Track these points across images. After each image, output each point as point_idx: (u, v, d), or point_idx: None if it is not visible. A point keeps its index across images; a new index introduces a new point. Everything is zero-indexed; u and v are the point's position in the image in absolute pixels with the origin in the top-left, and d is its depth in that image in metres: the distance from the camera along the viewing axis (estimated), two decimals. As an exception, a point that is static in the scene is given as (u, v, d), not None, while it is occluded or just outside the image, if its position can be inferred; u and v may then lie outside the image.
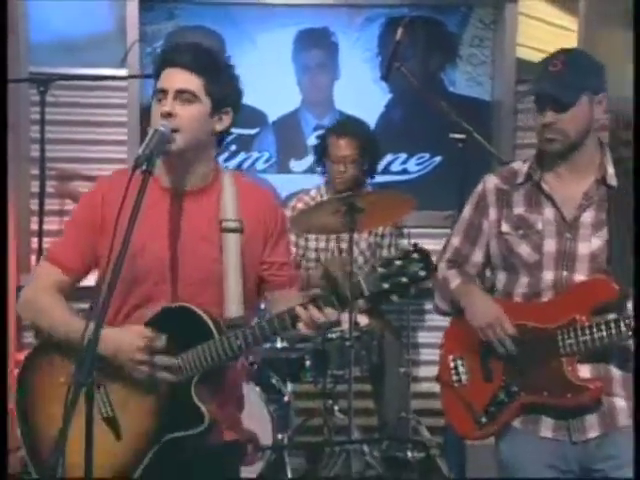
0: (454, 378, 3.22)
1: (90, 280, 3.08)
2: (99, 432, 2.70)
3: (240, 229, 2.96)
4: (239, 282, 2.94)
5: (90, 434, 2.55)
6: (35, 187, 5.54)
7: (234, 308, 2.92)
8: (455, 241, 3.28)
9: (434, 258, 3.30)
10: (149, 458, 2.86)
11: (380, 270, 2.65)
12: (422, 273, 2.64)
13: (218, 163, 3.10)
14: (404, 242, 5.72)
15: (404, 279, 2.63)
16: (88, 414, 2.54)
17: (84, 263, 3.02)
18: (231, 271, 2.94)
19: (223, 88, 2.98)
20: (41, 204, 5.39)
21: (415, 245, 2.68)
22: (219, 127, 2.99)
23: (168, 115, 2.86)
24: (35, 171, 5.59)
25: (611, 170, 3.08)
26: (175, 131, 2.86)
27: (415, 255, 2.65)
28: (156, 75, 2.97)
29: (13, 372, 5.71)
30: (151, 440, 2.87)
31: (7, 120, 4.75)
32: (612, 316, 2.98)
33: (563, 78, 3.00)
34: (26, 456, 3.00)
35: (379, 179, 5.82)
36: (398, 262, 2.65)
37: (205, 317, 2.85)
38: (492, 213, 3.19)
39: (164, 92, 2.90)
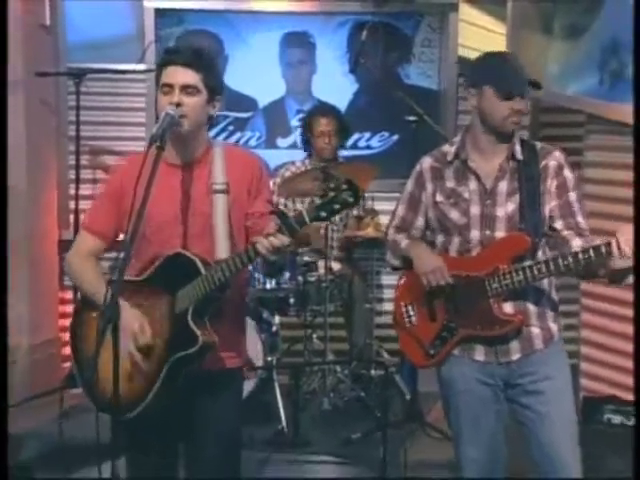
0: (406, 320, 3.24)
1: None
2: (122, 359, 2.76)
3: (226, 190, 2.96)
4: (226, 233, 2.93)
5: (117, 357, 2.61)
6: (72, 160, 5.56)
7: (222, 253, 2.90)
8: (400, 211, 3.28)
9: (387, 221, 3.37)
10: (161, 378, 2.88)
11: (317, 202, 2.66)
12: (350, 200, 2.64)
13: (211, 139, 3.11)
14: (369, 202, 5.75)
15: (337, 206, 2.64)
16: (114, 342, 2.61)
17: (112, 229, 3.06)
18: (220, 225, 2.94)
19: (215, 81, 3.00)
20: (77, 174, 5.44)
21: (345, 179, 2.68)
22: (213, 112, 3.02)
23: (177, 105, 2.88)
24: (72, 147, 5.60)
25: (518, 147, 3.09)
26: (183, 117, 2.88)
27: (344, 186, 2.65)
28: (158, 69, 2.97)
29: (57, 307, 5.77)
30: (162, 361, 2.88)
31: (7, 115, 4.75)
32: (527, 263, 3.00)
33: (524, 73, 3.03)
34: (77, 374, 3.06)
35: (348, 153, 5.86)
36: (332, 193, 2.65)
37: (195, 259, 2.87)
38: (429, 187, 3.19)
39: (170, 86, 2.91)
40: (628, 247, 2.78)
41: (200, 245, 2.94)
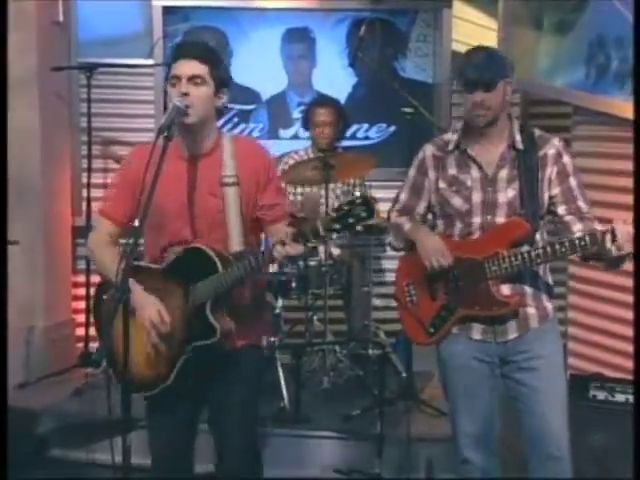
0: (407, 299, 3.21)
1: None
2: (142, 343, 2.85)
3: (236, 183, 2.96)
4: (238, 225, 2.94)
5: (127, 334, 2.65)
6: (84, 150, 5.50)
7: (235, 245, 2.93)
8: (403, 196, 3.25)
9: (386, 208, 3.35)
10: (181, 362, 2.91)
11: (332, 215, 2.68)
12: (364, 214, 2.67)
13: (220, 131, 3.09)
14: (369, 191, 5.70)
15: (351, 220, 2.66)
16: (125, 321, 2.64)
17: (127, 214, 3.04)
18: (232, 217, 2.94)
19: (222, 74, 2.98)
20: (89, 163, 5.38)
21: (360, 195, 2.73)
22: (219, 103, 2.99)
23: (184, 95, 2.87)
24: (84, 138, 5.54)
25: (518, 137, 3.07)
26: (188, 107, 2.87)
27: (359, 201, 2.67)
28: (169, 65, 2.97)
29: (71, 290, 5.73)
30: (181, 348, 2.91)
31: (6, 112, 4.68)
32: (525, 248, 2.99)
33: (487, 67, 2.97)
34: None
35: (347, 143, 5.82)
36: (346, 207, 2.67)
37: (213, 255, 2.87)
38: (431, 174, 3.16)
39: (178, 78, 2.90)
40: (621, 236, 2.75)
41: (211, 236, 2.94)
